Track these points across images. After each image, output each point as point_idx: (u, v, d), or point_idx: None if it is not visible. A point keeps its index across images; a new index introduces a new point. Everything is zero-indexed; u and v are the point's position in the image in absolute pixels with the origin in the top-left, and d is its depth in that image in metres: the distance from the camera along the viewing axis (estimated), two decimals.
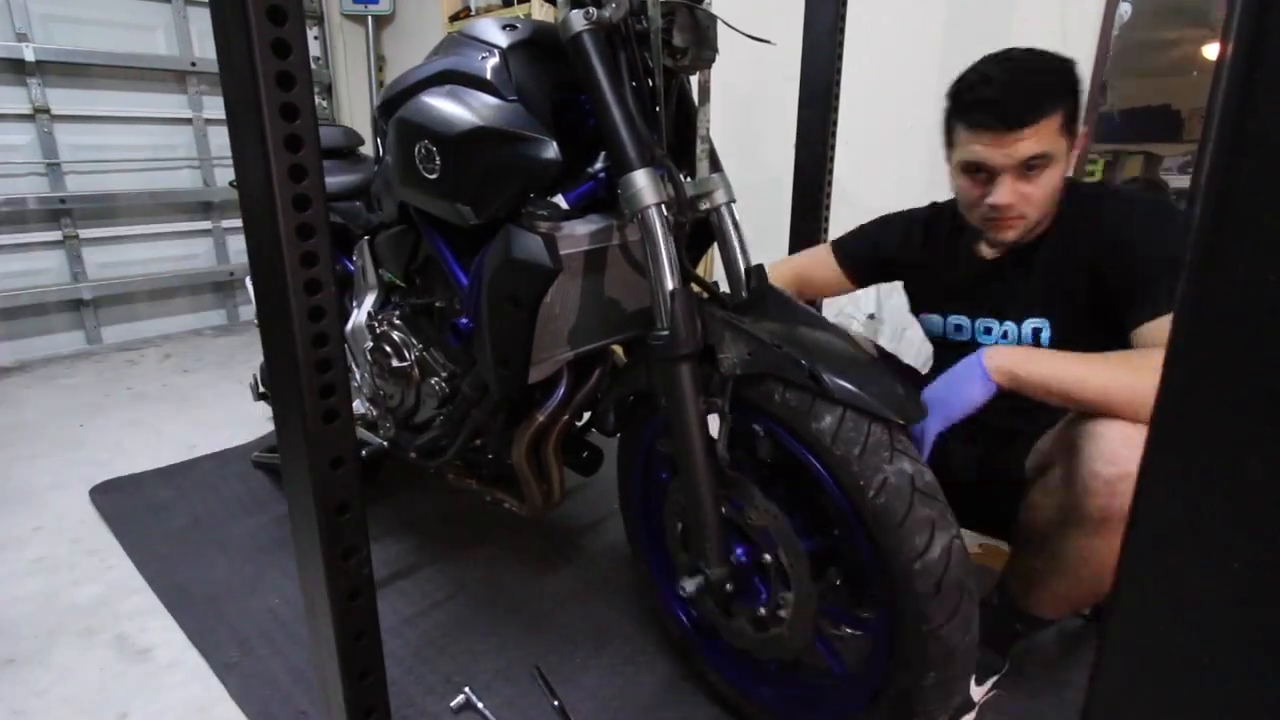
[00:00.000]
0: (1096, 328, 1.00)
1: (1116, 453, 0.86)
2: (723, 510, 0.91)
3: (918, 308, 1.27)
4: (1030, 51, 0.97)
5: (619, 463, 1.18)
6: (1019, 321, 1.10)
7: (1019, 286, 1.09)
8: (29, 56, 2.67)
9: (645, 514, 1.18)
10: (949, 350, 1.18)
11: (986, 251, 1.14)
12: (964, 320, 1.18)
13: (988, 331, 1.15)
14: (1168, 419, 0.29)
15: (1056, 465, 0.93)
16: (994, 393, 0.88)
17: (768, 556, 0.91)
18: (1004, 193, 0.99)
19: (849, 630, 0.95)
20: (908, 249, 1.22)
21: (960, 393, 0.90)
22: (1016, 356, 0.89)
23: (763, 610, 0.94)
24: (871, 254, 1.27)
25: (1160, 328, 0.91)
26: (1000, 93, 0.94)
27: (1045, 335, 1.07)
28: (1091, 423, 0.89)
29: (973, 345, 1.11)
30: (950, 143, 1.05)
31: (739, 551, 0.94)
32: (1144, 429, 0.93)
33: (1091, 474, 0.86)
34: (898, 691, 0.84)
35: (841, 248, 1.30)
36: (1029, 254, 1.09)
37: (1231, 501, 0.27)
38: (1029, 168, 0.97)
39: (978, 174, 1.01)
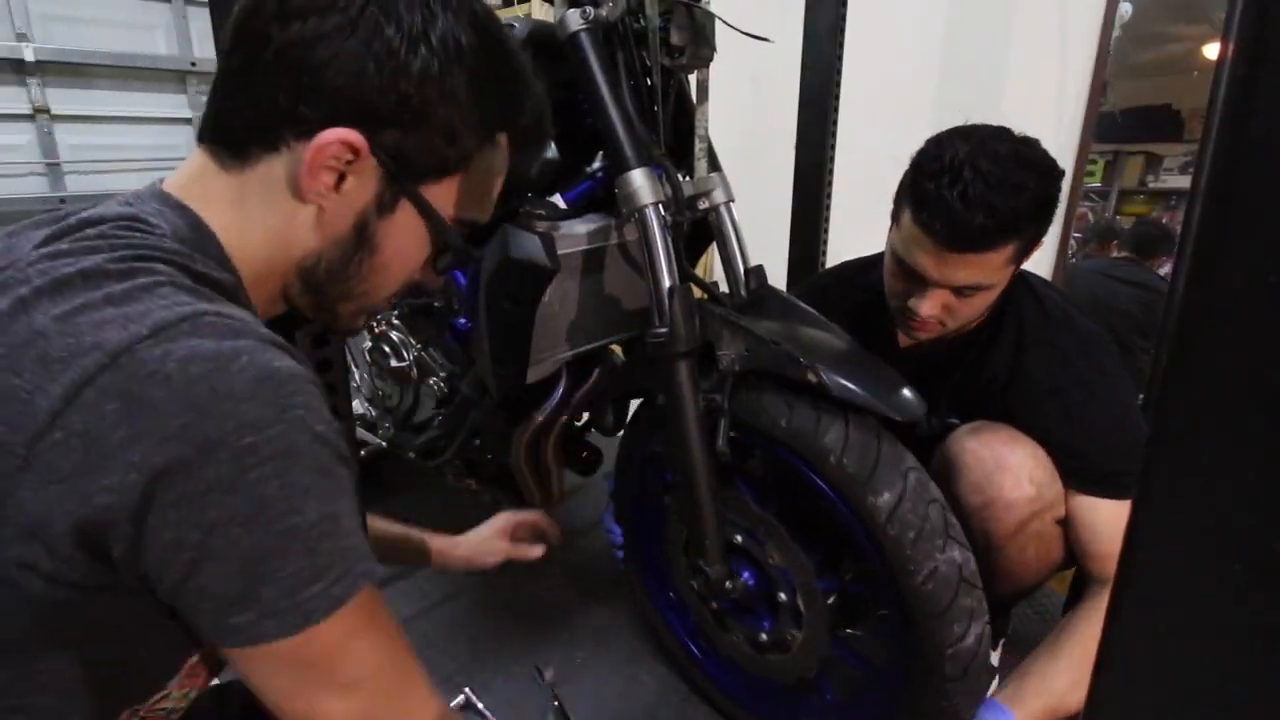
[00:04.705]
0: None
1: (979, 483, 0.89)
2: (738, 540, 0.91)
3: None
4: (1017, 154, 0.82)
5: (616, 473, 1.16)
6: (930, 417, 1.03)
7: (936, 385, 1.01)
8: (29, 56, 2.67)
9: (644, 531, 1.16)
10: None
11: (903, 338, 1.05)
12: None
13: None
14: (1167, 419, 0.28)
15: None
16: None
17: (783, 595, 0.90)
18: (928, 305, 0.90)
19: (854, 666, 0.94)
20: (840, 314, 1.07)
21: None
22: (1036, 711, 0.83)
23: (764, 636, 0.94)
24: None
25: (1105, 511, 0.88)
26: (961, 205, 0.80)
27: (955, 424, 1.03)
28: (957, 450, 0.92)
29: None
30: (896, 217, 0.92)
31: (745, 575, 0.94)
32: (1003, 459, 0.90)
33: (962, 504, 0.89)
34: None
35: None
36: (949, 357, 1.01)
37: (1232, 501, 0.27)
38: (962, 292, 0.88)
39: (907, 274, 0.91)
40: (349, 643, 0.44)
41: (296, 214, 0.50)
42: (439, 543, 1.02)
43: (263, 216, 0.50)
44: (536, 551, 1.00)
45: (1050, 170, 0.84)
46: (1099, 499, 0.89)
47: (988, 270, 0.86)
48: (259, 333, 0.42)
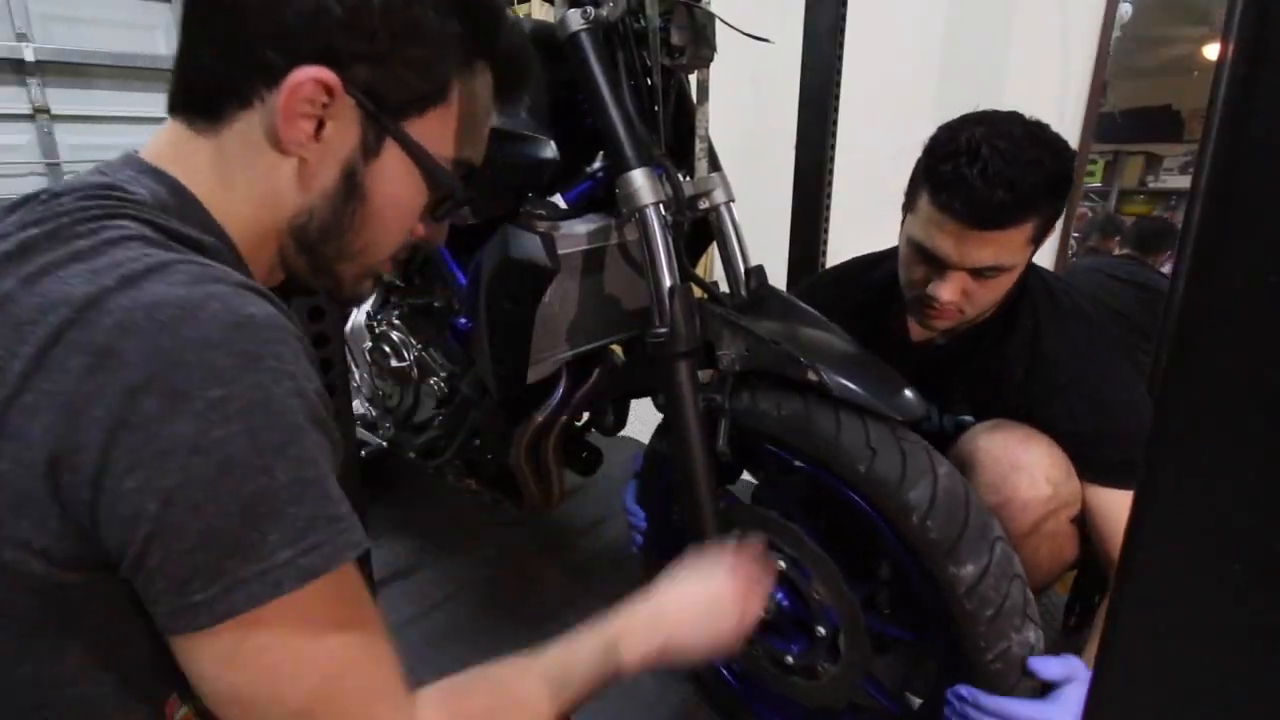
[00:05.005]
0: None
1: (994, 483, 0.88)
2: (781, 565, 0.89)
3: None
4: (1031, 135, 0.83)
5: (645, 459, 1.11)
6: (943, 413, 1.05)
7: (949, 380, 1.03)
8: (29, 56, 2.67)
9: (666, 523, 1.14)
10: None
11: (915, 331, 1.04)
12: None
13: None
14: (1167, 419, 0.28)
15: None
16: None
17: (821, 630, 0.87)
18: (949, 289, 0.88)
19: (880, 701, 0.92)
20: (839, 315, 1.04)
21: None
22: None
23: (790, 659, 0.92)
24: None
25: (1125, 502, 0.88)
26: (981, 182, 0.80)
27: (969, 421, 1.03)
28: (972, 449, 0.92)
29: None
30: (911, 205, 0.92)
31: (779, 595, 0.91)
32: (1018, 458, 0.90)
33: None
34: None
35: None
36: (963, 350, 1.01)
37: (1232, 501, 0.27)
38: (983, 274, 0.88)
39: (926, 259, 0.90)
40: (316, 633, 0.40)
41: (279, 169, 0.48)
42: None
43: (246, 178, 0.48)
44: None
45: (1064, 150, 0.85)
46: (1120, 489, 0.89)
47: (1008, 250, 0.85)
48: (234, 279, 0.40)
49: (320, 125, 0.47)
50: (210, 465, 0.36)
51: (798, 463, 0.86)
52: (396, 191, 0.52)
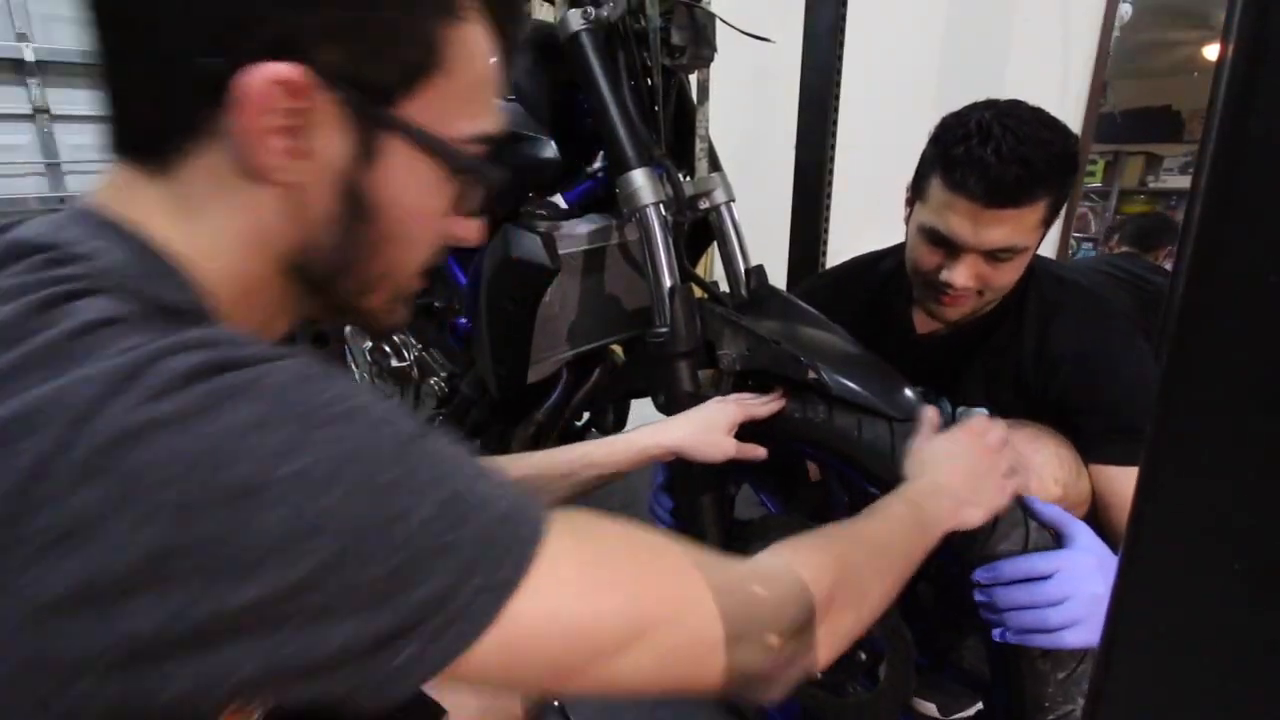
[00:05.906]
0: (1035, 417, 0.96)
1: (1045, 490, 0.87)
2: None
3: None
4: (1038, 117, 0.85)
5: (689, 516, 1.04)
6: (955, 407, 1.04)
7: (960, 372, 1.02)
8: (29, 56, 2.67)
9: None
10: None
11: (922, 324, 1.04)
12: None
13: None
14: (1167, 420, 0.28)
15: None
16: None
17: (862, 655, 0.84)
18: (962, 273, 0.88)
19: None
20: (841, 314, 1.01)
21: None
22: None
23: (818, 673, 0.89)
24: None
25: (1129, 480, 0.86)
26: (996, 159, 0.81)
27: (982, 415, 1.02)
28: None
29: None
30: (920, 193, 0.92)
31: None
32: (1026, 460, 0.87)
33: None
34: None
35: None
36: (972, 340, 1.01)
37: (1232, 501, 0.27)
38: (996, 256, 0.88)
39: (939, 244, 0.90)
40: (572, 607, 0.34)
41: (260, 203, 0.38)
42: (628, 442, 0.80)
43: (224, 219, 0.38)
44: (761, 452, 0.83)
45: (1069, 132, 0.86)
46: (1130, 467, 0.88)
47: (1021, 230, 0.86)
48: (246, 353, 0.32)
49: (298, 136, 0.37)
50: (337, 540, 0.29)
51: (872, 489, 0.82)
52: (412, 195, 0.42)
